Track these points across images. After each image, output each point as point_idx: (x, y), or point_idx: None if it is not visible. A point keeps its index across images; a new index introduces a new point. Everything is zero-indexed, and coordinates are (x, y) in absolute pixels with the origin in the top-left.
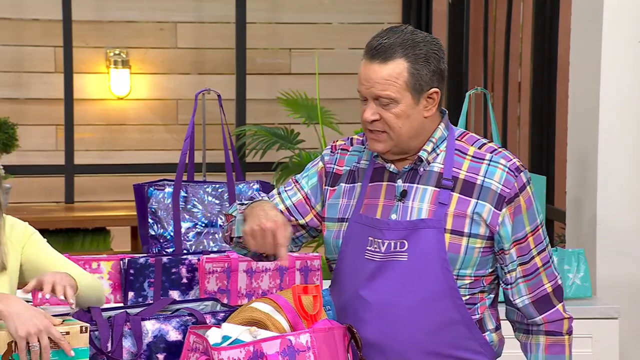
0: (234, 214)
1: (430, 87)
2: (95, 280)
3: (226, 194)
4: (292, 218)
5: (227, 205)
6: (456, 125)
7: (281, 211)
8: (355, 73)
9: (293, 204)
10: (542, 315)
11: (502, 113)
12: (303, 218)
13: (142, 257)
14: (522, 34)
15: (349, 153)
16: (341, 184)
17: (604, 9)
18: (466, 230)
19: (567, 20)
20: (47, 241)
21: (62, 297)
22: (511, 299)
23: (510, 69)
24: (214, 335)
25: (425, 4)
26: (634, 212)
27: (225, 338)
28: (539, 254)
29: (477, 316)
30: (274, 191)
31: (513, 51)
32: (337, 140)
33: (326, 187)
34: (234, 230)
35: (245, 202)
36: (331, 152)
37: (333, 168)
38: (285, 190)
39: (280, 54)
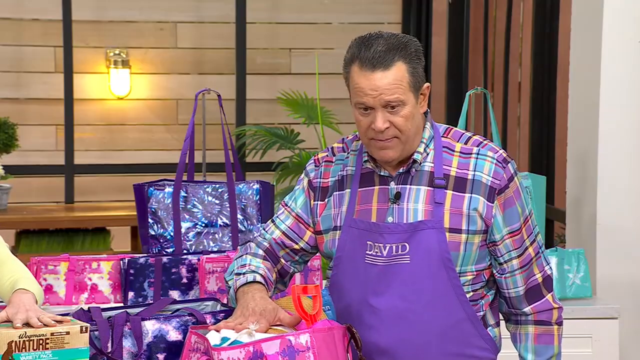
0: (229, 283)
1: (424, 82)
2: (34, 280)
3: (226, 194)
4: (290, 243)
5: (227, 205)
6: (456, 125)
7: (278, 238)
8: None
9: (288, 227)
10: (532, 306)
11: (502, 113)
12: (302, 239)
13: (142, 257)
14: (522, 34)
15: (333, 164)
16: (330, 196)
17: (604, 9)
18: (464, 227)
19: (567, 20)
20: (47, 241)
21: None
22: (505, 288)
23: (510, 69)
24: (213, 337)
25: (425, 4)
26: (634, 212)
27: (224, 339)
28: (531, 244)
29: (481, 313)
30: (269, 221)
31: (513, 51)
32: (318, 154)
33: (315, 202)
34: (230, 298)
35: (239, 271)
36: (315, 166)
37: (319, 182)
38: (278, 217)
39: (280, 54)
